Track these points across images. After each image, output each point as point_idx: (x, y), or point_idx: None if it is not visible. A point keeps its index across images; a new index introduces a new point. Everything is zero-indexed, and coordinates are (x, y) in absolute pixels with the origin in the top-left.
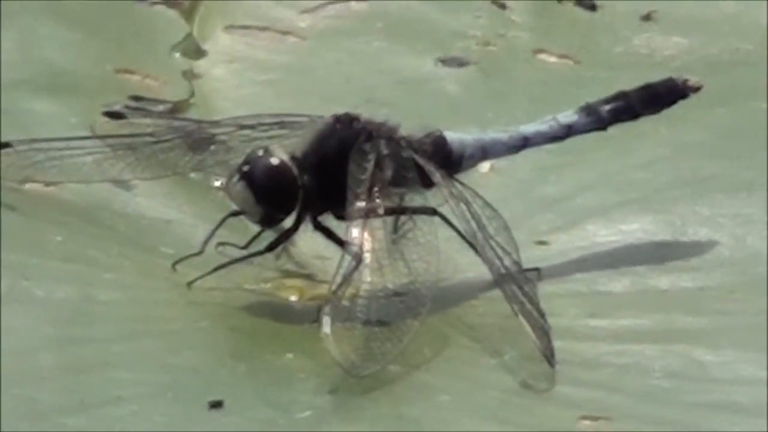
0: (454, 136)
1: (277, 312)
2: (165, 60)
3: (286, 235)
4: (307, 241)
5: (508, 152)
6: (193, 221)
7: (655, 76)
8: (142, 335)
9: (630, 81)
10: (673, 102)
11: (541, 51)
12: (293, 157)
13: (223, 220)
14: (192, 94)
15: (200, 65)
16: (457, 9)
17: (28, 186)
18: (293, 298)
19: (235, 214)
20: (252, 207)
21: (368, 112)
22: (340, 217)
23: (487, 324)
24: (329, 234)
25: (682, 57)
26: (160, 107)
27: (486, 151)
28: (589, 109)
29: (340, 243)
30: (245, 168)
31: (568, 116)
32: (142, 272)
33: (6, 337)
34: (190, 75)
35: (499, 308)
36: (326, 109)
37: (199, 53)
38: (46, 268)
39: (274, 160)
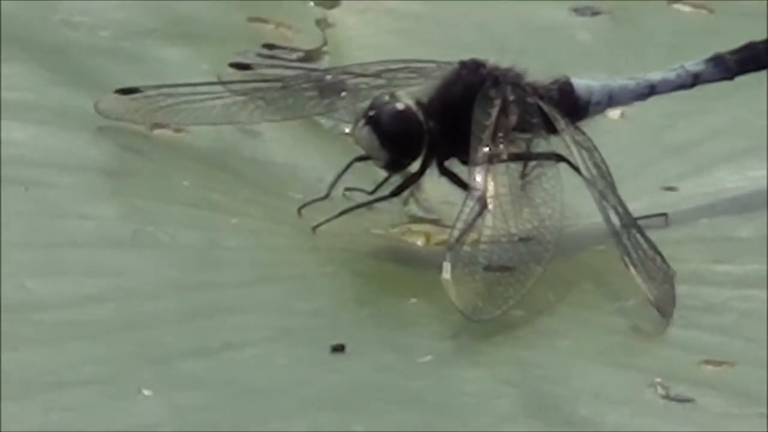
0: (581, 82)
1: (402, 257)
2: (299, 9)
3: (412, 180)
4: (435, 186)
5: (635, 99)
6: (321, 167)
7: None
8: (266, 280)
9: (764, 31)
10: None
11: (675, 0)
12: (419, 103)
13: (349, 165)
14: (325, 43)
15: (334, 14)
16: None
17: (156, 131)
18: (419, 243)
19: (361, 159)
20: (378, 151)
21: (497, 60)
22: (466, 162)
23: (612, 269)
24: (455, 179)
25: None
26: (293, 56)
27: (613, 98)
28: (717, 59)
29: (466, 188)
30: (371, 113)
31: (696, 65)
32: (268, 217)
33: (131, 281)
34: (323, 24)
35: None
36: (458, 57)
37: (333, 2)
38: (172, 213)
39: (400, 105)
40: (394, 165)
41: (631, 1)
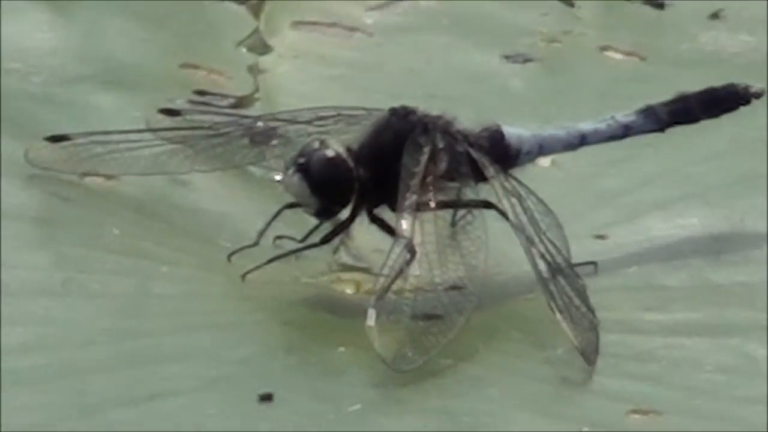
0: (512, 131)
1: (332, 305)
2: (231, 55)
3: (342, 228)
4: (365, 235)
5: (566, 149)
6: (251, 215)
7: (721, 74)
8: (196, 328)
9: (696, 79)
10: (734, 108)
11: (607, 48)
12: (349, 150)
13: (279, 212)
14: (256, 90)
15: (266, 61)
16: (525, 6)
17: (86, 179)
18: (349, 291)
19: (291, 206)
20: (307, 199)
21: (430, 107)
22: (396, 209)
23: (541, 318)
24: (385, 226)
25: (747, 55)
26: (225, 102)
27: (543, 147)
28: (648, 111)
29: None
30: (301, 160)
31: (627, 116)
32: (199, 265)
33: (61, 330)
34: (255, 70)
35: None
36: (389, 104)
37: (265, 49)
38: (103, 262)
39: (330, 152)
40: (323, 212)
41: (563, 47)
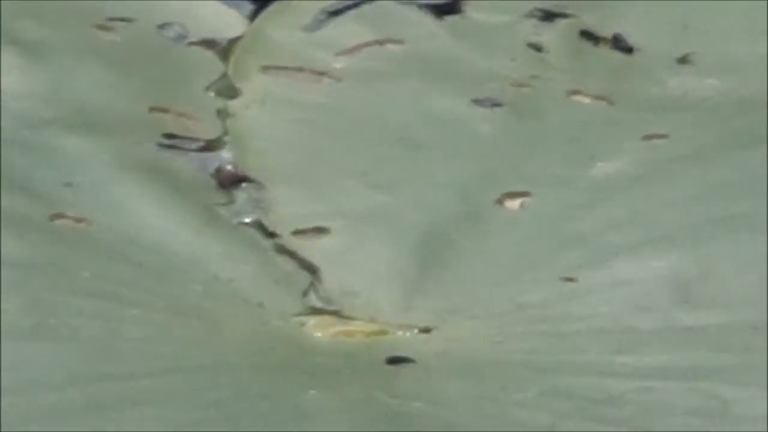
0: None
1: (302, 348)
2: (200, 99)
3: None
4: (335, 278)
5: None
6: (221, 258)
7: (690, 119)
8: (168, 372)
9: (665, 123)
10: None
11: (576, 92)
12: None
13: None
14: (225, 133)
15: (234, 105)
16: (493, 51)
17: (56, 221)
18: (319, 334)
19: None
20: None
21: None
22: None
23: (513, 361)
24: None
25: (716, 98)
26: (193, 146)
27: None
28: None
29: None
30: None
31: None
32: (170, 309)
33: (32, 373)
34: (224, 114)
35: (524, 345)
36: (360, 149)
37: (234, 93)
38: (73, 305)
39: None
40: None
41: (532, 92)
